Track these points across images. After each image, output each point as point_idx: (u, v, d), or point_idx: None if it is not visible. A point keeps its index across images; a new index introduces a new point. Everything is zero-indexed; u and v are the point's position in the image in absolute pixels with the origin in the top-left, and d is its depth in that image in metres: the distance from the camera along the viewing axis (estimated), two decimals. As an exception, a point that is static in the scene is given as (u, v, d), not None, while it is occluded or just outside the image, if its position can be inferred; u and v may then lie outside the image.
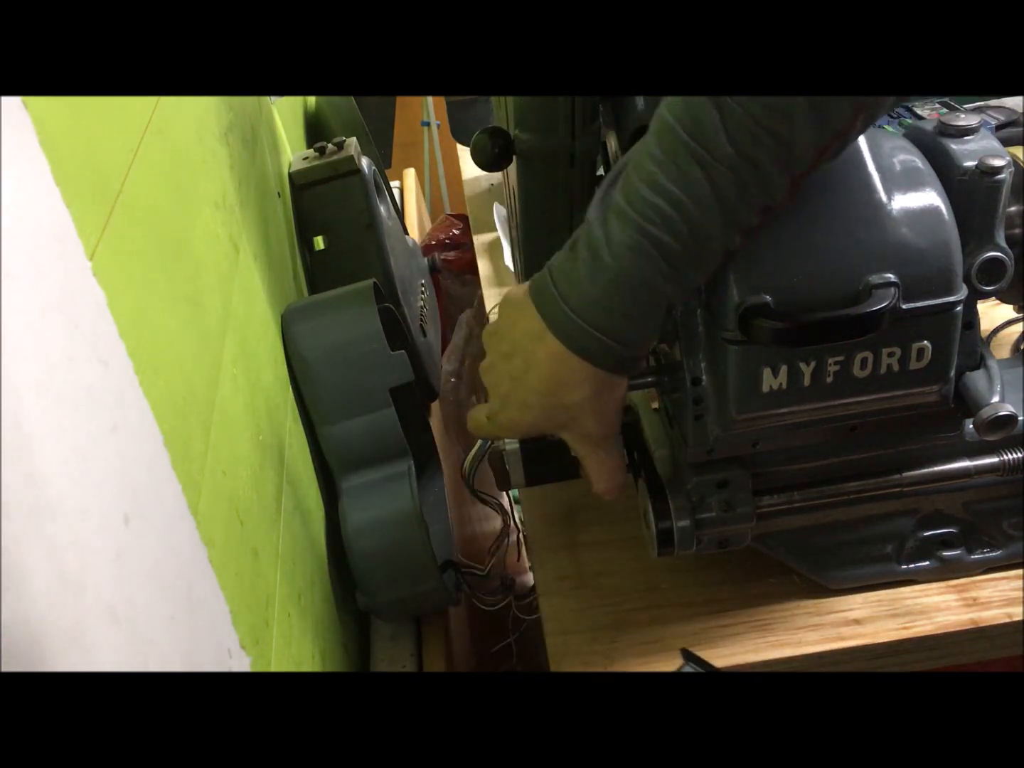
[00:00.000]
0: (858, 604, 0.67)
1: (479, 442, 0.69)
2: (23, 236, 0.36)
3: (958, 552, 0.67)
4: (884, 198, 0.58)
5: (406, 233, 1.22)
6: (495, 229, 1.20)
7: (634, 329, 0.56)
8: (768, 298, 0.56)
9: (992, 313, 0.81)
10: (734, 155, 0.49)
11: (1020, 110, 0.99)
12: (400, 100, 1.85)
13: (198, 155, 0.68)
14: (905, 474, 0.67)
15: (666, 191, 0.51)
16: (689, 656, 0.54)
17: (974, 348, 0.63)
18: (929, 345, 0.59)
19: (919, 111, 1.04)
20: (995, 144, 0.61)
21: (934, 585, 0.67)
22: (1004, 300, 0.73)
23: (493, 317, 0.69)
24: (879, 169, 0.58)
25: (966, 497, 0.69)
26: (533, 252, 0.79)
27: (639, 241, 0.52)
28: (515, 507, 0.91)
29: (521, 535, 0.96)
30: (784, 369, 0.58)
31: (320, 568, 0.77)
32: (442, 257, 1.46)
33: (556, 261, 0.57)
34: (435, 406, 1.17)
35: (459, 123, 1.28)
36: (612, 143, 0.72)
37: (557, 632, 0.69)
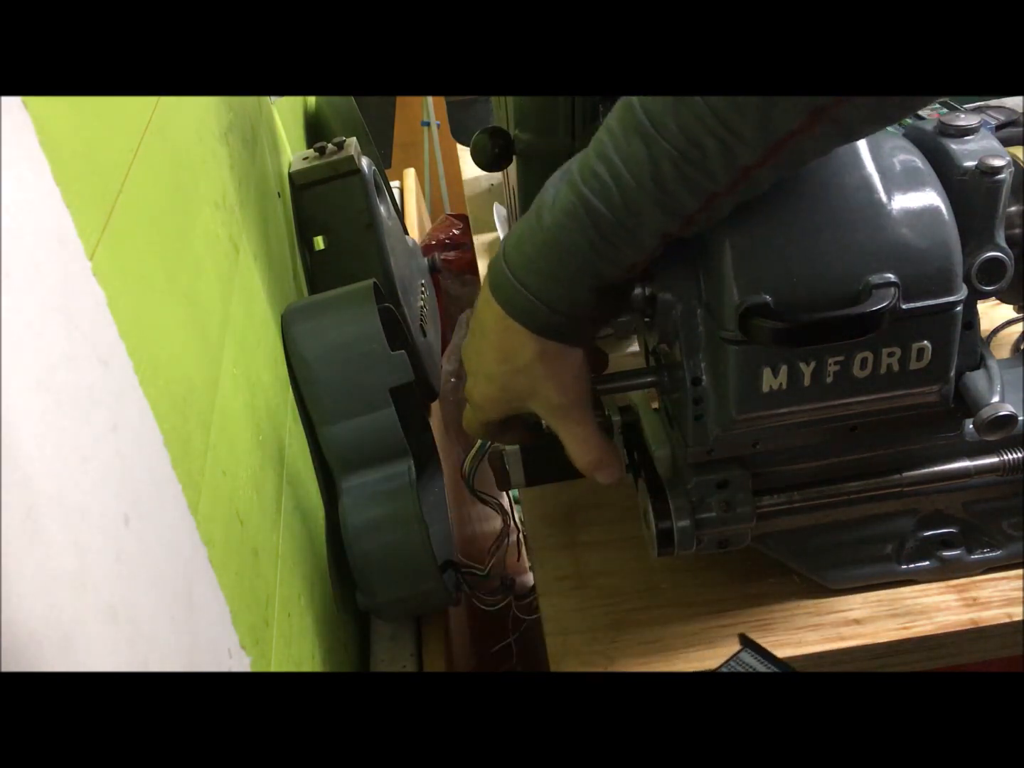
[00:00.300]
0: (858, 604, 0.67)
1: (479, 442, 0.69)
2: (23, 236, 0.36)
3: (958, 552, 0.67)
4: (884, 198, 0.58)
5: (406, 233, 1.21)
6: (495, 229, 1.20)
7: (561, 295, 0.57)
8: (768, 298, 0.56)
9: (992, 313, 0.81)
10: (679, 134, 0.50)
11: (1020, 110, 0.99)
12: (400, 100, 1.85)
13: (198, 155, 0.68)
14: (905, 474, 0.66)
15: (609, 161, 0.52)
16: (747, 642, 0.54)
17: (974, 348, 0.63)
18: (929, 345, 0.59)
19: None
20: (995, 144, 0.61)
21: (934, 585, 0.67)
22: (1004, 300, 0.73)
23: None
24: (879, 169, 0.58)
25: (966, 497, 0.69)
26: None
27: (575, 205, 0.54)
28: (515, 507, 0.91)
29: (521, 535, 0.96)
30: (784, 369, 0.58)
31: (320, 568, 0.77)
32: (442, 257, 1.46)
33: (512, 228, 0.58)
34: (435, 406, 1.17)
35: (459, 123, 1.28)
36: (612, 143, 0.72)
37: (557, 632, 0.69)
